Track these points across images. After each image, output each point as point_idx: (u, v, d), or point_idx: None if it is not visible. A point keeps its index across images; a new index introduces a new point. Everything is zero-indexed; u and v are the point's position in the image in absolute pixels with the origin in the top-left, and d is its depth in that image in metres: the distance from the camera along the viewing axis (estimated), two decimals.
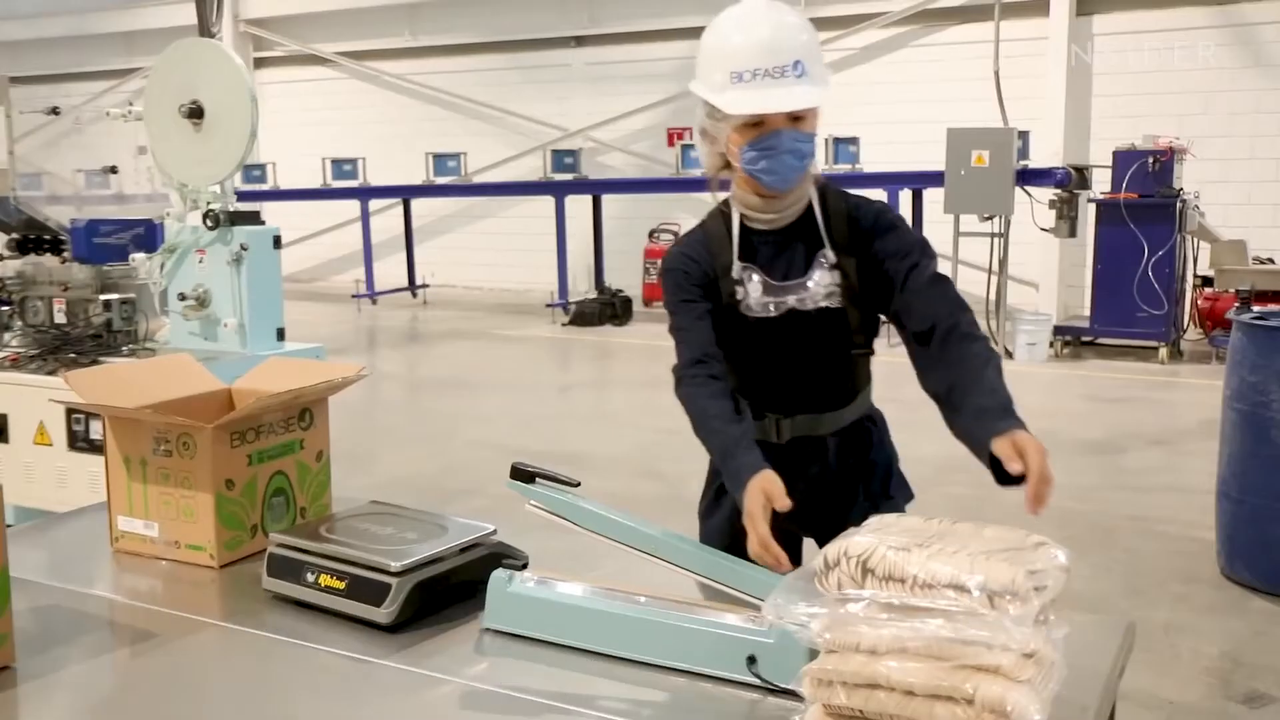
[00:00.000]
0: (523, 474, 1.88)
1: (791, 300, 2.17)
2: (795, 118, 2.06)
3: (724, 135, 2.12)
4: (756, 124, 2.06)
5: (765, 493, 1.83)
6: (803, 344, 2.20)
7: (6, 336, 4.82)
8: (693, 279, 2.18)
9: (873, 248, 2.14)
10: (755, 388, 2.25)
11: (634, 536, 1.82)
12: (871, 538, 1.53)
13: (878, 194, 12.43)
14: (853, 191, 2.26)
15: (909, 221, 12.02)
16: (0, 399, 4.37)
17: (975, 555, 1.48)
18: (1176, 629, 4.28)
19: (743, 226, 2.20)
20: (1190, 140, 10.34)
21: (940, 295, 2.09)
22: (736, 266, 2.17)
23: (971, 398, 1.91)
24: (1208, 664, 3.99)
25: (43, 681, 1.73)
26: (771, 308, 2.17)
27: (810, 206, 2.18)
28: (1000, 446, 1.76)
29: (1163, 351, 9.98)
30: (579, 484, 1.92)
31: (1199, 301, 10.43)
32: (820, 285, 2.16)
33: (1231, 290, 9.86)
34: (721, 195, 2.26)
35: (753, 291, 2.17)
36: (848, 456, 2.31)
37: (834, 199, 2.19)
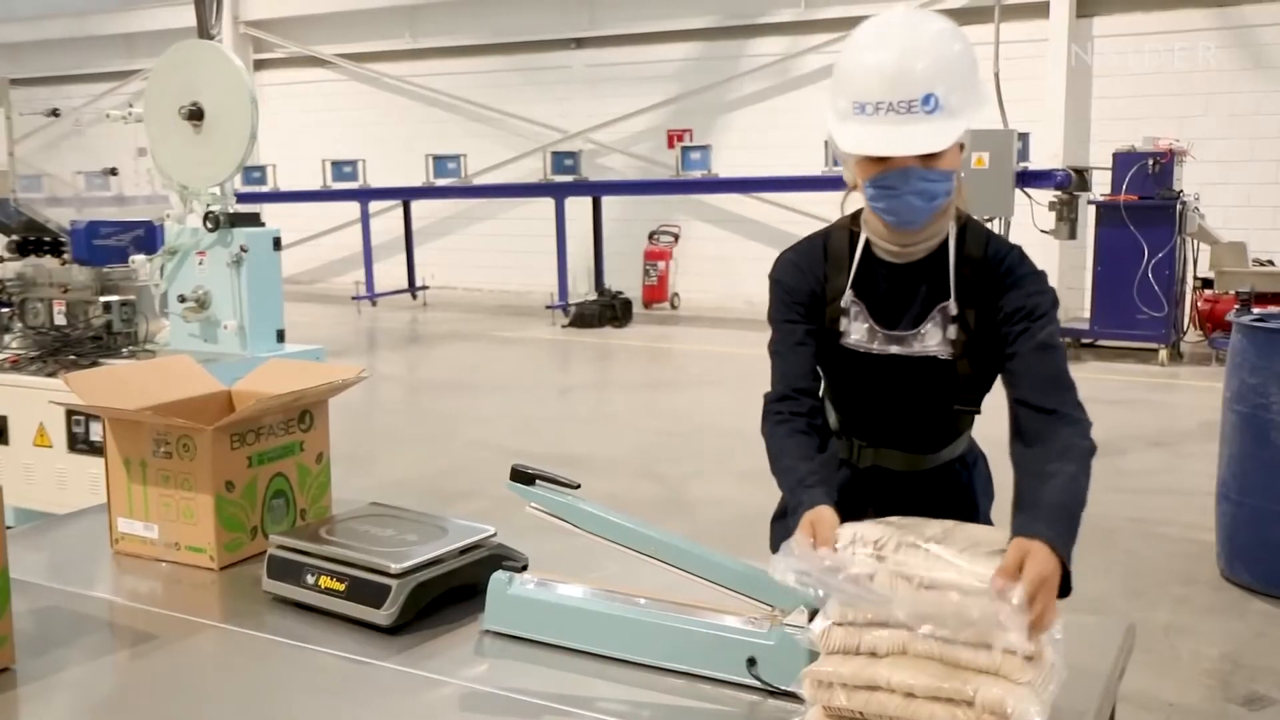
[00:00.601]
0: (523, 476, 1.88)
1: (895, 349, 2.00)
2: (928, 154, 1.84)
3: (851, 160, 1.93)
4: (882, 158, 1.85)
5: (812, 524, 1.67)
6: (900, 388, 2.04)
7: (6, 338, 4.82)
8: (797, 296, 2.02)
9: (998, 301, 1.93)
10: (843, 409, 2.15)
11: (634, 539, 1.81)
12: (885, 528, 1.53)
13: None
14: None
15: None
16: (0, 401, 4.37)
17: (978, 557, 1.49)
18: (1176, 631, 4.28)
19: (866, 250, 2.00)
20: (1190, 142, 10.35)
21: (1041, 367, 1.87)
22: (848, 296, 2.00)
23: (1030, 484, 1.71)
24: (1208, 666, 3.99)
25: (42, 683, 1.73)
26: (875, 348, 2.01)
27: (944, 245, 1.96)
28: (1012, 550, 1.50)
29: (1162, 353, 9.98)
30: (579, 486, 1.92)
31: (1199, 303, 10.43)
32: (932, 340, 1.97)
33: (1231, 292, 9.86)
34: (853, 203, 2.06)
35: (854, 332, 2.00)
36: (925, 495, 2.13)
37: (973, 241, 1.97)
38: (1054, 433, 1.80)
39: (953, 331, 1.96)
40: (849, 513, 2.00)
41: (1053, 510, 1.61)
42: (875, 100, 1.80)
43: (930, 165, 1.83)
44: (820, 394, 2.04)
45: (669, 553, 1.80)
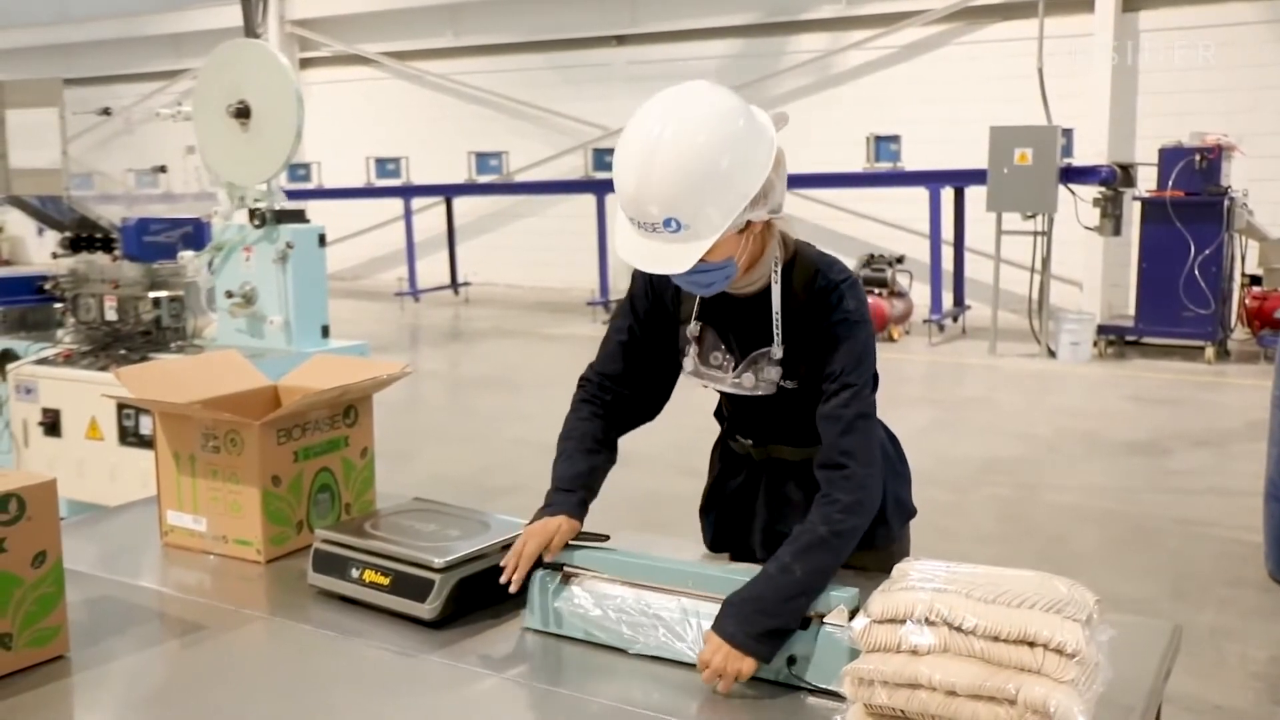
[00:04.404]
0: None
1: (717, 387, 2.02)
2: None
3: None
4: None
5: (545, 533, 1.88)
6: (759, 408, 2.05)
7: (59, 333, 4.92)
8: (640, 304, 2.08)
9: (818, 333, 1.91)
10: (729, 413, 2.18)
11: (670, 577, 1.83)
12: (925, 594, 1.49)
13: (919, 192, 12.10)
14: (830, 254, 2.01)
15: (949, 219, 11.48)
16: (53, 394, 4.46)
17: (1032, 611, 1.44)
18: (1222, 633, 4.22)
19: None
20: (1239, 137, 10.17)
21: (827, 436, 1.88)
22: (693, 326, 2.02)
23: (766, 566, 1.78)
24: (1255, 669, 3.94)
25: (95, 671, 1.77)
26: (701, 383, 2.03)
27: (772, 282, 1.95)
28: (707, 638, 1.71)
29: (1209, 351, 9.84)
30: (609, 537, 1.95)
31: (1247, 301, 10.25)
32: (748, 383, 1.98)
33: None
34: None
35: (688, 364, 2.04)
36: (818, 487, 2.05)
37: (799, 275, 1.94)
38: (814, 507, 1.84)
39: (773, 373, 1.95)
40: (744, 503, 2.17)
41: (745, 604, 1.71)
42: (628, 214, 1.79)
43: (702, 260, 1.77)
44: (628, 386, 2.11)
45: (705, 583, 1.81)
